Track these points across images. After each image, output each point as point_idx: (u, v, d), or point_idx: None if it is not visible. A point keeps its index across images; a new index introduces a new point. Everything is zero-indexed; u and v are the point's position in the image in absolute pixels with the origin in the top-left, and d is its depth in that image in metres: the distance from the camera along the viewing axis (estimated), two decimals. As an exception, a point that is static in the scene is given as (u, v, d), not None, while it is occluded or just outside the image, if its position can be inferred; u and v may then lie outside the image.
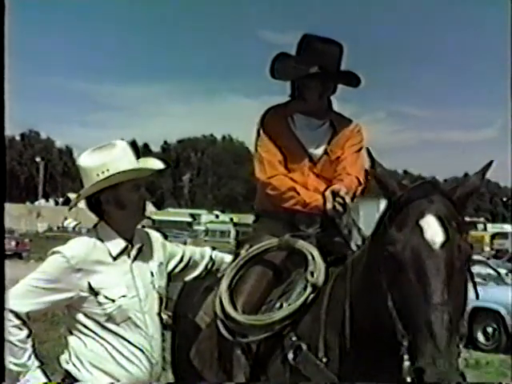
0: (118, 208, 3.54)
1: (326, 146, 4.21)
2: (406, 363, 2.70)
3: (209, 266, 4.11)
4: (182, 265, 3.96)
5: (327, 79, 4.14)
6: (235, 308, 3.78)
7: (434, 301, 2.68)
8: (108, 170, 3.47)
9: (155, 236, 3.84)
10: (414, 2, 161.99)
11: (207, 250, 4.17)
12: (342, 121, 4.29)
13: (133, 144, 3.67)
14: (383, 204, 3.09)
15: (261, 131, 4.26)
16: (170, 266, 3.89)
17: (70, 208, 3.91)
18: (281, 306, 3.64)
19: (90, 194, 3.56)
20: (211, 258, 4.13)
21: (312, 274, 3.59)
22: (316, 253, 3.72)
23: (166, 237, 3.99)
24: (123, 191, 3.52)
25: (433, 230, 2.82)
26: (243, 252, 4.08)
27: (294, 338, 3.45)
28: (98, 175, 3.48)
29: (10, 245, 36.05)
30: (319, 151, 4.21)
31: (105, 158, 3.51)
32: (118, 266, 3.50)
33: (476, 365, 11.54)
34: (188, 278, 4.08)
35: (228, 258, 4.19)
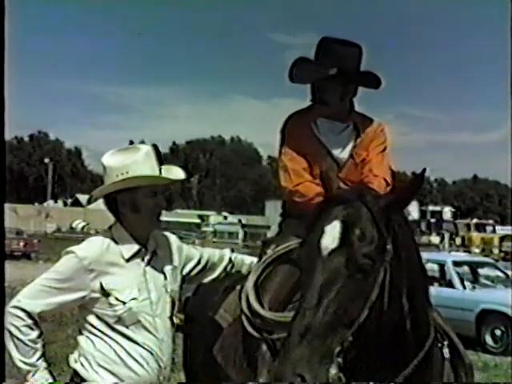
0: (132, 211, 3.56)
1: (350, 149, 4.21)
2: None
3: (228, 269, 4.11)
4: (199, 267, 3.97)
5: (347, 80, 4.13)
6: (262, 305, 3.79)
7: (302, 304, 2.75)
8: (127, 173, 3.50)
9: (172, 239, 3.85)
10: (422, 6, 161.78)
11: (227, 253, 4.17)
12: (364, 121, 4.28)
13: (157, 150, 3.68)
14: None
15: (284, 139, 4.26)
16: (187, 269, 3.90)
17: (88, 203, 3.94)
18: None
19: (108, 194, 3.58)
20: (230, 260, 4.13)
21: None
22: None
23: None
24: (140, 196, 3.54)
25: (330, 236, 2.83)
26: (269, 251, 4.09)
27: None
28: (117, 176, 3.51)
29: (19, 245, 36.17)
30: (344, 155, 4.20)
31: (126, 160, 3.54)
32: (130, 269, 3.52)
33: (484, 367, 11.53)
34: (206, 280, 4.09)
35: (248, 259, 4.20)
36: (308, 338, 2.65)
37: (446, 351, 3.30)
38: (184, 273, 3.86)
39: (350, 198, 2.96)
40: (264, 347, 3.73)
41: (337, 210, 2.90)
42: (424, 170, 3.03)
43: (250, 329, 3.76)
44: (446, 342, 3.32)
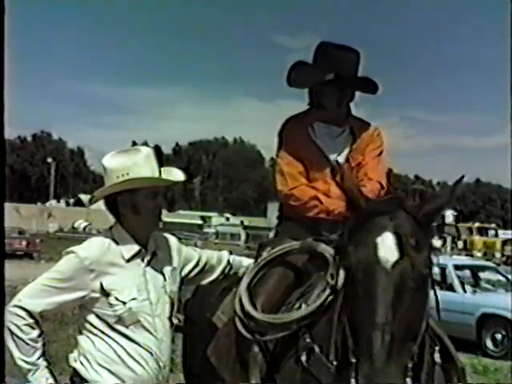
0: (132, 213, 3.57)
1: (347, 154, 4.23)
2: (352, 381, 2.73)
3: (226, 271, 4.13)
4: (197, 269, 3.99)
5: (344, 86, 4.15)
6: (254, 307, 3.81)
7: (377, 320, 2.71)
8: (128, 174, 3.51)
9: (172, 241, 3.87)
10: (425, 10, 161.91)
11: (225, 255, 4.19)
12: (361, 126, 4.31)
13: (158, 151, 3.68)
14: None
15: (282, 142, 4.29)
16: (186, 271, 3.91)
17: (90, 204, 3.94)
18: (300, 307, 3.66)
19: (108, 195, 3.60)
20: (229, 262, 4.15)
21: (332, 276, 3.57)
22: (338, 256, 3.71)
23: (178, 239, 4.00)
24: (140, 197, 3.55)
25: (387, 247, 2.82)
26: (265, 254, 4.11)
27: (308, 340, 3.48)
28: (117, 177, 3.52)
29: (21, 245, 36.16)
30: (340, 159, 4.21)
31: (127, 162, 3.55)
32: (130, 269, 3.53)
33: (484, 371, 11.52)
34: (204, 281, 4.10)
35: (246, 261, 4.21)
36: (392, 354, 2.66)
37: (436, 356, 3.32)
38: (183, 274, 3.88)
39: (389, 209, 2.94)
40: (256, 349, 3.74)
41: (382, 221, 2.89)
42: (462, 177, 3.06)
43: (242, 330, 3.78)
44: (437, 348, 3.34)
